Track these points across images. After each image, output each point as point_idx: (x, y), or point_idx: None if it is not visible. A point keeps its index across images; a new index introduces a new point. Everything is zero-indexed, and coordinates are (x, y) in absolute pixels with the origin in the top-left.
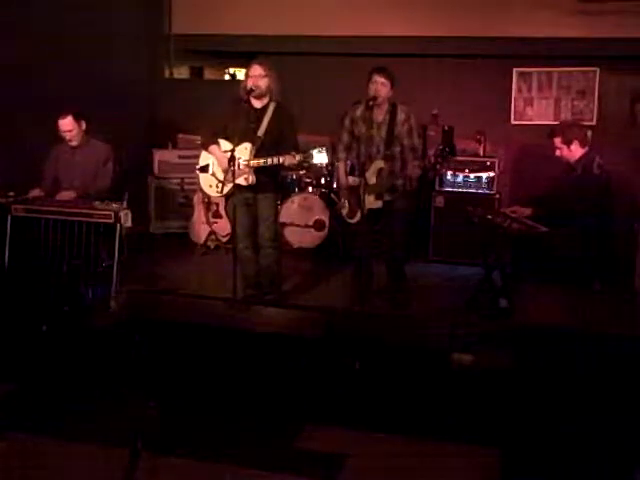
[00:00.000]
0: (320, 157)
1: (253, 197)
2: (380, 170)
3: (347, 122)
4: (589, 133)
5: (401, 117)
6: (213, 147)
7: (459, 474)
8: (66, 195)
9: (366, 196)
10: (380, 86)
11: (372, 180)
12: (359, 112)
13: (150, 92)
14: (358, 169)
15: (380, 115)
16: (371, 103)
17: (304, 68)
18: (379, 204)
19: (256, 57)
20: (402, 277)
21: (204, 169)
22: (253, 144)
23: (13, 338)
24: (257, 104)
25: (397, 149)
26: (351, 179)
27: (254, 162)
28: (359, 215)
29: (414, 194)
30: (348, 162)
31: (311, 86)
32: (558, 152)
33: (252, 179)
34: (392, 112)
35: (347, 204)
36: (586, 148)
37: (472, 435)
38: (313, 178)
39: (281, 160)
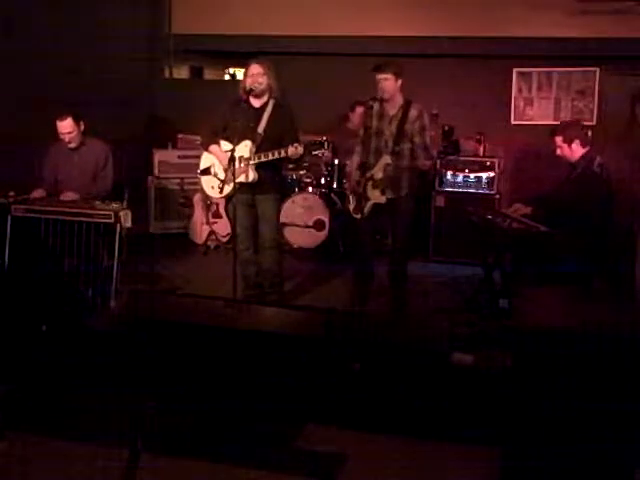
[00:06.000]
0: (323, 145)
1: (254, 198)
2: (386, 165)
3: (363, 117)
4: (589, 133)
5: (413, 114)
6: (214, 147)
7: (459, 474)
8: (70, 195)
9: (372, 190)
10: (384, 82)
11: (378, 175)
12: (375, 106)
13: (150, 92)
14: (365, 164)
15: (392, 110)
16: (371, 103)
17: (304, 68)
18: (383, 199)
19: (256, 57)
20: (403, 278)
21: (205, 172)
22: (253, 141)
23: (13, 338)
24: (256, 103)
25: (406, 146)
26: (358, 174)
27: (255, 158)
28: (364, 212)
29: (415, 195)
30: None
31: (311, 86)
32: (559, 151)
33: (253, 176)
34: (405, 108)
35: (354, 200)
36: (587, 148)
37: (472, 435)
38: (313, 178)
39: (283, 153)
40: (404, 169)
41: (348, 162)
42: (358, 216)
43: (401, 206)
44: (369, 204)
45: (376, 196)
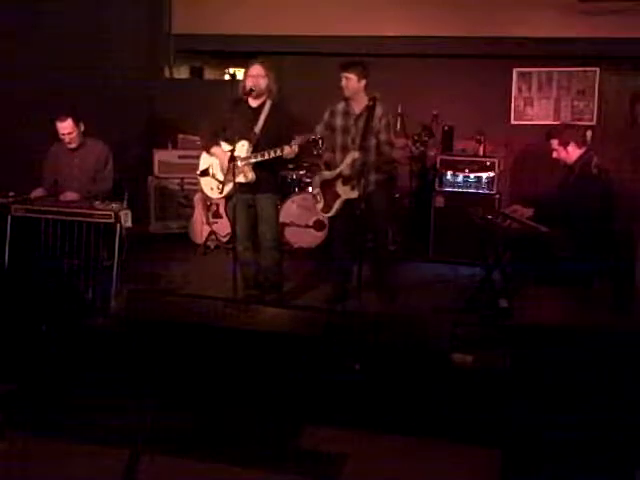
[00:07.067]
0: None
1: (253, 198)
2: (355, 161)
3: (326, 115)
4: (589, 133)
5: (379, 112)
6: (215, 148)
7: (459, 474)
8: (70, 196)
9: (342, 187)
10: (345, 81)
11: (347, 171)
12: (339, 106)
13: (150, 92)
14: (333, 162)
15: (357, 108)
16: (375, 103)
17: (304, 68)
18: (355, 194)
19: (256, 57)
20: (387, 275)
21: (204, 173)
22: (250, 141)
23: (13, 338)
24: (254, 103)
25: (372, 142)
26: (326, 173)
27: (252, 158)
28: (335, 209)
29: (389, 185)
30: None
31: (311, 86)
32: (555, 154)
33: (251, 176)
34: (370, 107)
35: (322, 198)
36: (583, 149)
37: (472, 435)
38: (313, 178)
39: (279, 152)
40: (371, 164)
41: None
42: (329, 215)
43: (373, 201)
44: (339, 201)
45: (347, 192)
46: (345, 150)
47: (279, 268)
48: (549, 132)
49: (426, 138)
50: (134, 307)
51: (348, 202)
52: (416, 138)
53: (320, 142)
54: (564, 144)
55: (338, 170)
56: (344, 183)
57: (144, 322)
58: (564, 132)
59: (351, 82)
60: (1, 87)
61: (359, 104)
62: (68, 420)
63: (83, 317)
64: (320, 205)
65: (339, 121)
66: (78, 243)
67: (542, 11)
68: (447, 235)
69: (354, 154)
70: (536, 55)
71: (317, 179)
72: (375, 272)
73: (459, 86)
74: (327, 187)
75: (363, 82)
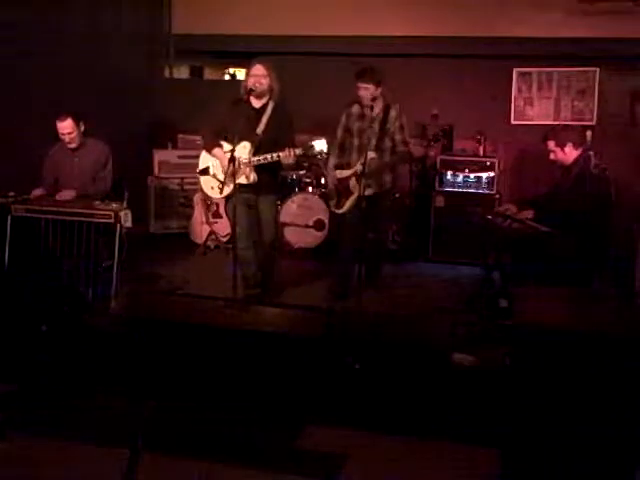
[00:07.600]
0: (320, 144)
1: (254, 198)
2: (371, 160)
3: (343, 119)
4: (589, 133)
5: (393, 114)
6: (217, 150)
7: (459, 474)
8: (66, 194)
9: (356, 185)
10: (363, 91)
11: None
12: (354, 109)
13: (150, 92)
14: (348, 161)
15: (373, 112)
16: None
17: (304, 68)
18: (369, 192)
19: (256, 57)
20: (376, 276)
21: (204, 172)
22: (252, 142)
23: (13, 338)
24: (256, 104)
25: (388, 144)
26: (340, 172)
27: (254, 160)
28: (347, 206)
29: (392, 184)
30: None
31: (311, 86)
32: (552, 155)
33: (253, 177)
34: (385, 110)
35: (335, 196)
36: (581, 149)
37: (472, 435)
38: (313, 178)
39: (279, 155)
40: (385, 165)
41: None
42: (340, 211)
43: (383, 200)
44: (352, 198)
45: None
46: (361, 151)
47: (274, 267)
48: (546, 134)
49: (440, 138)
50: (134, 307)
51: (360, 200)
52: (431, 138)
53: (323, 152)
54: (561, 145)
55: (354, 169)
56: (358, 181)
57: (144, 322)
58: (561, 133)
59: (369, 91)
60: (1, 87)
61: (374, 108)
62: (68, 420)
63: (83, 317)
64: (333, 202)
65: (355, 123)
66: (78, 243)
67: (542, 11)
68: (447, 235)
69: (371, 154)
70: (536, 55)
71: (333, 176)
72: (371, 269)
73: (459, 86)
74: (341, 185)
75: (379, 89)
